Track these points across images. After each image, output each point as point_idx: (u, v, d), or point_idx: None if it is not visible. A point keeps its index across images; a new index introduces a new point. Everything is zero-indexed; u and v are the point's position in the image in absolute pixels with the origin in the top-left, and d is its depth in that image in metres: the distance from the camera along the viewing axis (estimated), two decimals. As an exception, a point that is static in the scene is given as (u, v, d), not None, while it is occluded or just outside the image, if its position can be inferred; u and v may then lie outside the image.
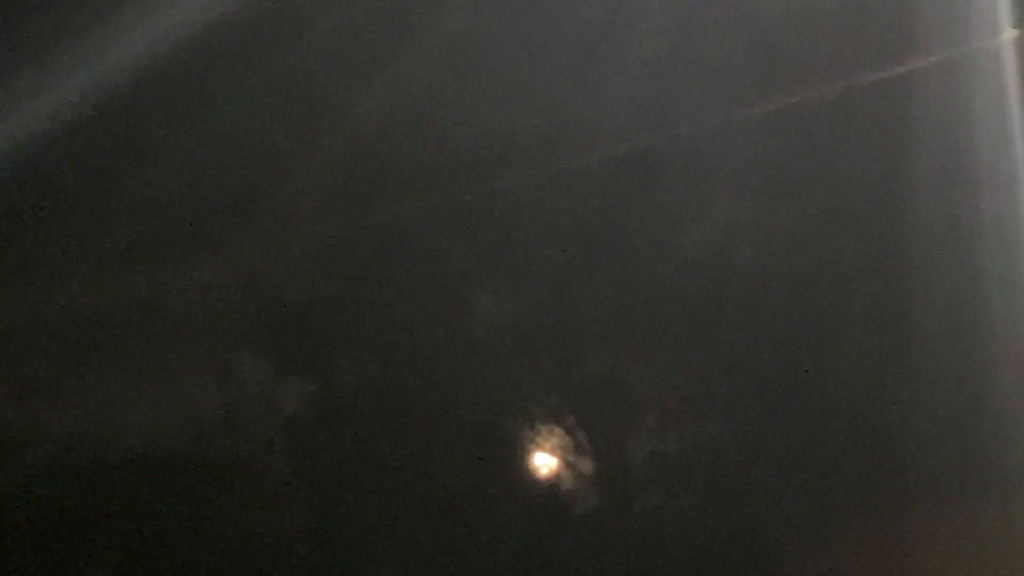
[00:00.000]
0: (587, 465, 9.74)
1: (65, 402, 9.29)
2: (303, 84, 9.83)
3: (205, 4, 9.63)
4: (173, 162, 9.70)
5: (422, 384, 9.69)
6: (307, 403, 9.65)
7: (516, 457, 9.74)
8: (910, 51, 9.94)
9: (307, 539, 9.38)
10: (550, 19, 9.80)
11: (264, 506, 9.45)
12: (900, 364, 9.93)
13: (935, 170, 9.98)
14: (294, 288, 9.75)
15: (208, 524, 9.24)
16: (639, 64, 9.80)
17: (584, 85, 9.78)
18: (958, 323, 9.93)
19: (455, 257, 9.81)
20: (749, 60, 9.87)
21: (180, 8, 9.53)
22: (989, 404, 10.01)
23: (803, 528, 9.79)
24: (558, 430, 9.74)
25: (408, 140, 9.76)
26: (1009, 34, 9.90)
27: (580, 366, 9.87)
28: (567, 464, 9.74)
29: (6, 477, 9.10)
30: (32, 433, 9.13)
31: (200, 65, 9.65)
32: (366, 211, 9.78)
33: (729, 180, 9.95)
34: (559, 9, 9.83)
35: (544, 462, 9.75)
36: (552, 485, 9.75)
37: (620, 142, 9.79)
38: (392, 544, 9.45)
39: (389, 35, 9.79)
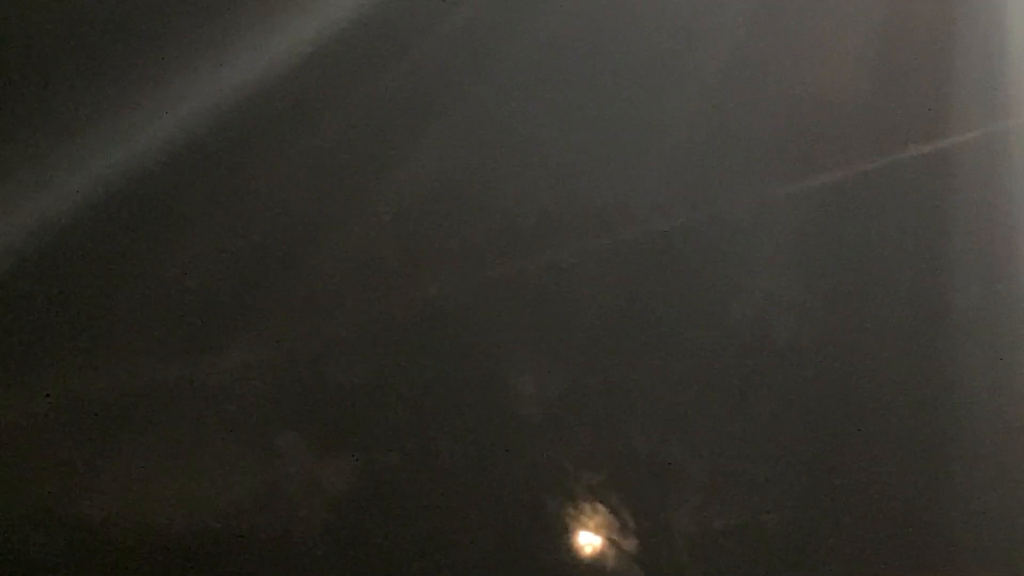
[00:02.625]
0: (631, 544, 9.65)
1: (102, 482, 9.21)
2: (340, 160, 9.89)
3: (238, 82, 9.72)
4: (210, 240, 9.71)
5: (463, 462, 9.62)
6: (348, 482, 9.57)
7: (559, 536, 9.65)
8: (945, 128, 10.02)
9: (350, 618, 9.29)
10: (589, 97, 9.89)
11: (306, 585, 9.36)
12: (941, 440, 9.89)
13: (972, 246, 10.01)
14: (334, 366, 9.72)
15: (249, 603, 9.16)
16: (677, 141, 9.87)
17: (623, 162, 9.84)
18: (999, 400, 9.90)
19: (495, 334, 9.79)
20: (786, 137, 9.94)
21: (214, 86, 9.62)
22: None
23: (849, 606, 9.70)
24: (601, 508, 9.65)
25: (447, 216, 9.80)
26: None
27: (622, 443, 9.81)
28: (610, 543, 9.64)
29: (41, 556, 9.01)
30: (69, 512, 9.06)
31: (235, 142, 9.71)
32: (405, 288, 9.78)
33: (767, 257, 9.97)
34: (599, 88, 9.93)
35: (587, 541, 9.66)
36: (596, 565, 9.64)
37: (659, 219, 9.83)
38: (435, 623, 9.35)
39: (427, 111, 9.88)
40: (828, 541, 9.75)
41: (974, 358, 9.88)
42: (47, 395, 9.25)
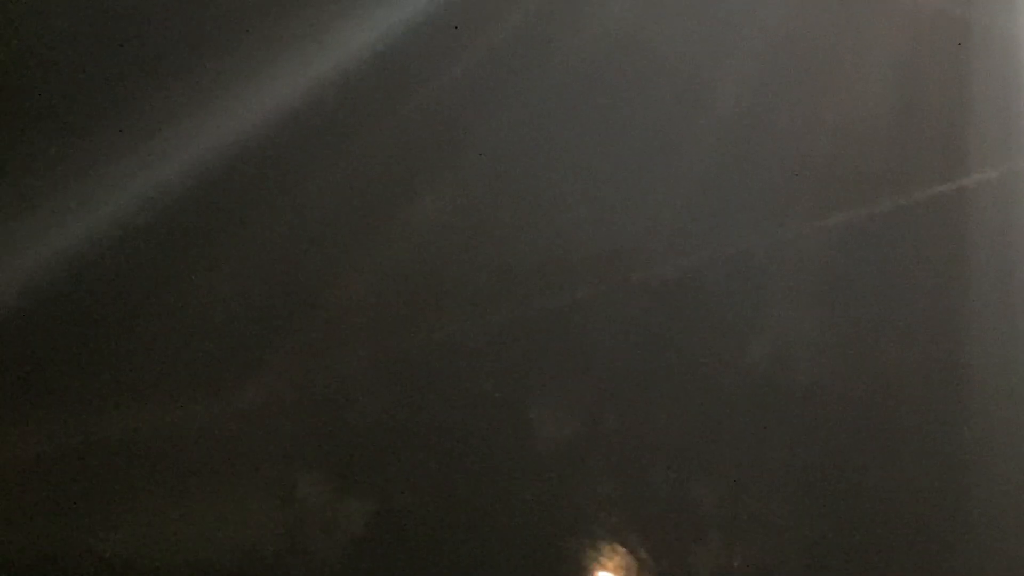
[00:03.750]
0: (650, 584, 9.64)
1: (119, 522, 9.21)
2: (355, 202, 9.87)
3: (253, 123, 9.71)
4: (228, 282, 9.70)
5: (482, 502, 9.59)
6: (365, 522, 9.56)
7: (579, 576, 9.65)
8: (964, 167, 9.98)
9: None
10: (604, 135, 9.86)
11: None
12: (963, 479, 9.85)
13: (990, 285, 9.97)
14: (351, 407, 9.71)
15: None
16: (694, 180, 9.83)
17: (639, 201, 9.81)
18: (1017, 437, 9.87)
19: (512, 374, 9.76)
20: (803, 176, 9.90)
21: (229, 127, 9.60)
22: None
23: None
24: (621, 549, 9.63)
25: (463, 257, 9.78)
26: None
27: (641, 482, 9.78)
28: (630, 583, 9.64)
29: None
30: (86, 552, 9.05)
31: (250, 185, 9.70)
32: (422, 329, 9.76)
33: (785, 295, 9.94)
34: (613, 127, 9.89)
35: (607, 582, 9.66)
36: (615, 605, 9.64)
37: (676, 258, 9.80)
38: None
39: (441, 152, 9.86)
40: (849, 580, 9.74)
41: (994, 396, 9.84)
42: (64, 434, 9.25)
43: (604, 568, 9.61)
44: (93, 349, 9.44)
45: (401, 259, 9.85)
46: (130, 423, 9.39)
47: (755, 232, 9.89)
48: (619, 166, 9.93)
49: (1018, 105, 9.93)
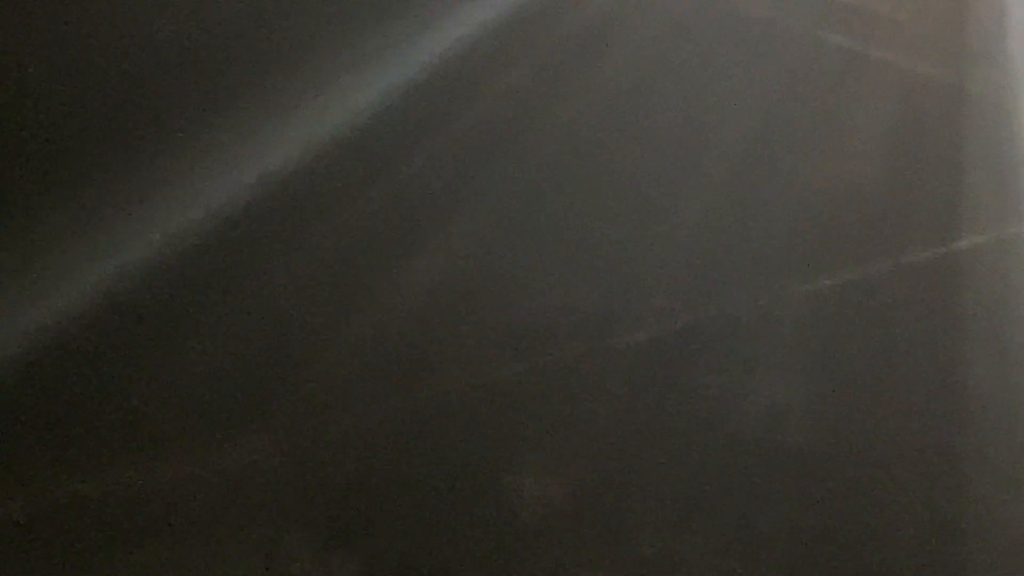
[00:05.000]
0: (637, 649, 9.52)
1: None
2: (347, 259, 9.92)
3: (251, 180, 9.79)
4: (215, 338, 9.75)
5: (467, 564, 9.53)
6: (352, 583, 9.51)
7: (564, 641, 9.53)
8: (959, 230, 9.94)
9: None
10: (596, 194, 9.89)
11: None
12: (956, 548, 9.71)
13: (986, 352, 9.89)
14: (338, 465, 9.69)
15: None
16: (686, 241, 9.84)
17: (631, 262, 9.82)
18: (1015, 506, 9.72)
19: (498, 435, 9.73)
20: (796, 238, 9.89)
21: (225, 182, 9.69)
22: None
23: None
24: (606, 613, 9.53)
25: (452, 317, 9.79)
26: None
27: (628, 547, 9.68)
28: (616, 649, 9.52)
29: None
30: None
31: (244, 237, 9.77)
32: (408, 387, 9.76)
33: (775, 359, 9.88)
34: (606, 185, 9.93)
35: (592, 647, 9.53)
36: (601, 670, 9.52)
37: (666, 319, 9.78)
38: None
39: (439, 210, 9.91)
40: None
41: (991, 464, 9.72)
42: (43, 494, 9.26)
43: (589, 632, 9.50)
44: (74, 408, 9.48)
45: (389, 321, 9.87)
46: (112, 482, 9.40)
47: (746, 295, 9.85)
48: (610, 228, 9.96)
49: (1012, 168, 9.91)
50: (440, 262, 9.86)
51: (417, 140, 10.06)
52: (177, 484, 9.55)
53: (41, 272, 9.49)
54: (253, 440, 9.67)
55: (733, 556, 9.80)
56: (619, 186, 9.92)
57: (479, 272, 9.79)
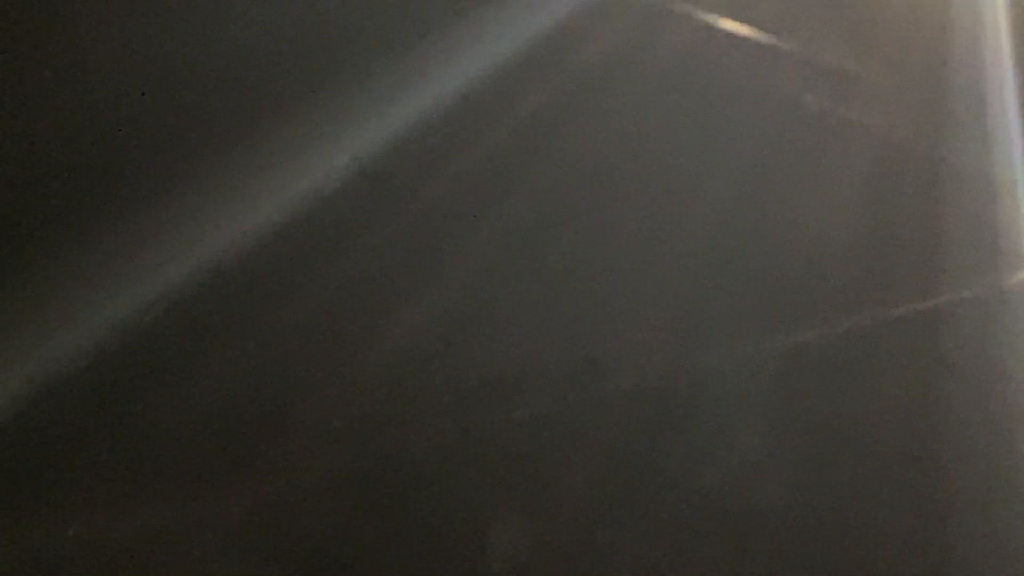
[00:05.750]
0: None
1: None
2: (328, 314, 9.84)
3: (231, 236, 9.75)
4: (194, 397, 9.64)
5: (440, 619, 9.33)
6: (324, 638, 9.30)
7: None
8: (939, 285, 9.88)
9: None
10: (576, 246, 9.84)
11: None
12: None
13: (967, 408, 9.77)
14: (306, 519, 9.51)
15: None
16: (662, 295, 9.76)
17: (610, 314, 9.73)
18: (998, 564, 9.54)
19: (472, 490, 9.58)
20: (774, 292, 9.82)
21: (206, 239, 9.64)
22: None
23: None
24: (579, 670, 9.29)
25: (427, 369, 9.69)
26: (1038, 271, 9.85)
27: (601, 602, 9.49)
28: None
29: None
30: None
31: (222, 295, 9.70)
32: (382, 440, 9.62)
33: (753, 414, 9.76)
34: (587, 237, 9.89)
35: None
36: None
37: (642, 373, 9.67)
38: None
39: (415, 264, 9.85)
40: None
41: (972, 520, 9.56)
42: (39, 538, 9.10)
43: None
44: (48, 458, 9.35)
45: (371, 371, 9.77)
46: (79, 534, 9.23)
47: (724, 350, 9.76)
48: (590, 279, 9.90)
49: (993, 223, 9.90)
50: (418, 312, 9.78)
51: (403, 194, 10.05)
52: (140, 536, 9.38)
53: (34, 319, 9.42)
54: (222, 495, 9.52)
55: (709, 614, 9.60)
56: (600, 238, 9.87)
57: (455, 320, 9.70)
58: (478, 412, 9.65)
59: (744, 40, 10.16)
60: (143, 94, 9.90)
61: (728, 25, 10.13)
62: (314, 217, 9.87)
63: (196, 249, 9.63)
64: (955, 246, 9.99)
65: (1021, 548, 9.70)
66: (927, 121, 10.23)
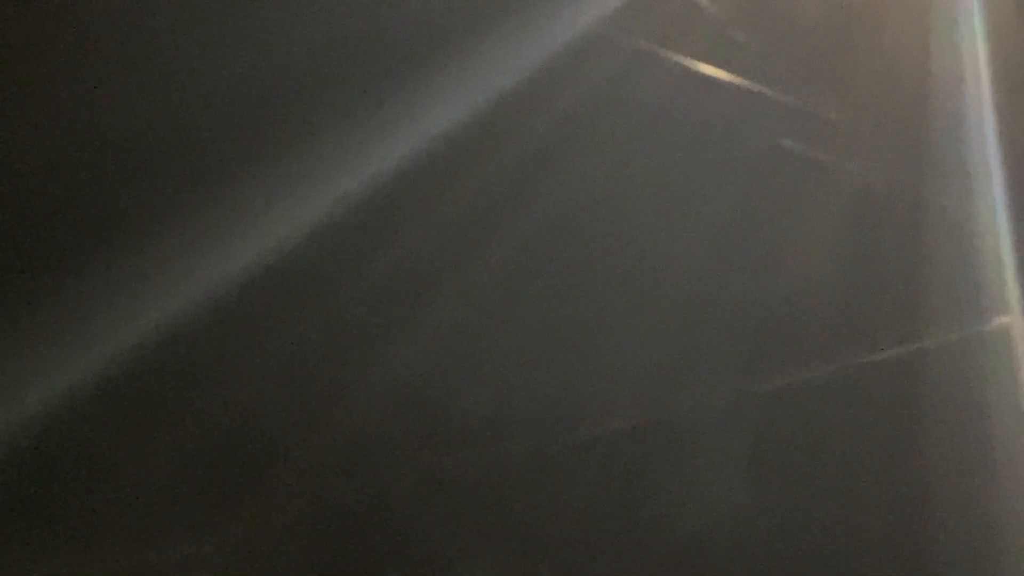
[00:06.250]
0: None
1: None
2: (303, 361, 9.81)
3: (208, 286, 9.72)
4: (165, 443, 9.60)
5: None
6: None
7: None
8: (920, 329, 9.87)
9: None
10: (560, 288, 9.83)
11: None
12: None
13: (948, 451, 9.75)
14: (276, 560, 9.46)
15: None
16: (642, 338, 9.74)
17: (590, 359, 9.71)
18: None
19: (451, 532, 9.54)
20: (755, 336, 9.80)
21: (184, 287, 9.62)
22: None
23: None
24: None
25: (399, 412, 9.66)
26: (1019, 317, 9.84)
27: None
28: None
29: None
30: None
31: (200, 344, 9.67)
32: (353, 482, 9.59)
33: (736, 457, 9.73)
34: (570, 280, 9.88)
35: None
36: None
37: (623, 417, 9.64)
38: None
39: (395, 309, 9.83)
40: None
41: (955, 560, 9.53)
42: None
43: None
44: (63, 494, 9.32)
45: (351, 415, 9.74)
46: (110, 566, 9.22)
47: (706, 393, 9.74)
48: (573, 323, 9.89)
49: (971, 270, 9.90)
50: (399, 355, 9.76)
51: (377, 239, 10.05)
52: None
53: (27, 361, 9.38)
54: (193, 538, 9.47)
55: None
56: (579, 282, 9.86)
57: (435, 363, 9.68)
58: (457, 455, 9.60)
59: (725, 85, 10.19)
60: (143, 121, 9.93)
61: (708, 70, 10.16)
62: (286, 266, 9.87)
63: (186, 282, 9.61)
64: (936, 290, 9.98)
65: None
66: (907, 165, 10.24)
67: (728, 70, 10.19)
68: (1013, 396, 9.72)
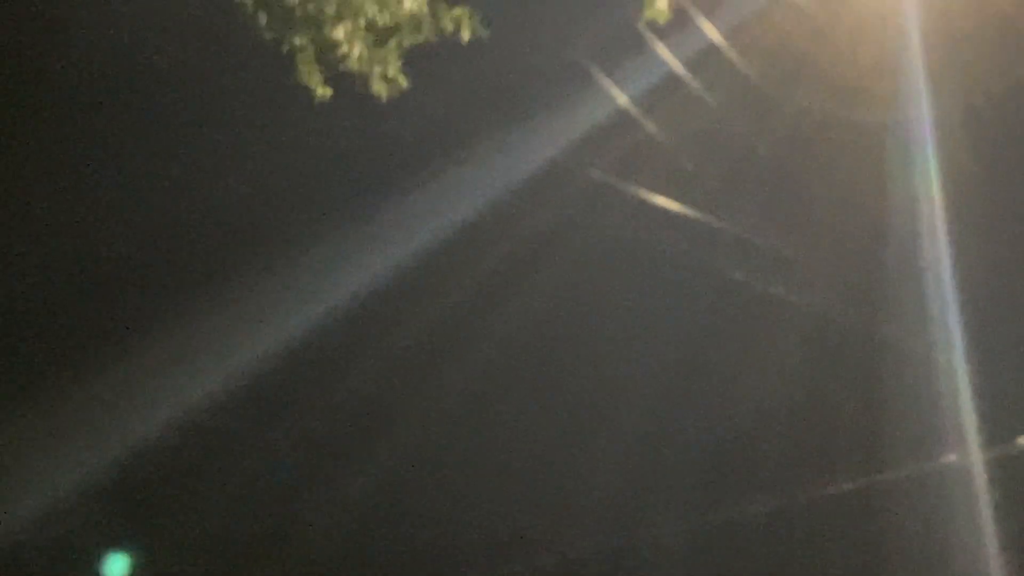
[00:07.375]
0: None
1: None
2: (273, 482, 9.70)
3: (204, 392, 9.63)
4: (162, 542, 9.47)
5: None
6: None
7: None
8: (877, 463, 9.76)
9: None
10: (521, 419, 9.78)
11: None
12: None
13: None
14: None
15: None
16: (597, 469, 9.64)
17: (547, 491, 9.64)
18: None
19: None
20: (711, 467, 9.73)
21: (180, 394, 9.52)
22: None
23: None
24: None
25: (363, 542, 9.54)
26: (977, 452, 9.72)
27: None
28: None
29: None
30: None
31: (198, 446, 9.56)
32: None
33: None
34: (531, 411, 9.85)
35: None
36: None
37: (580, 547, 9.51)
38: None
39: (351, 438, 9.76)
40: None
41: None
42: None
43: None
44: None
45: (305, 540, 9.62)
46: None
47: (662, 522, 9.67)
48: (533, 455, 9.87)
49: (931, 404, 9.78)
50: (354, 486, 9.66)
51: (332, 368, 9.99)
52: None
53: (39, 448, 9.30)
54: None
55: None
56: (535, 411, 9.80)
57: (391, 492, 9.57)
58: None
59: (679, 217, 10.16)
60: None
61: (664, 202, 10.13)
62: (261, 392, 9.79)
63: (174, 394, 9.52)
64: (892, 425, 9.87)
65: None
66: (863, 301, 10.14)
67: (683, 202, 10.17)
68: (969, 531, 9.56)
